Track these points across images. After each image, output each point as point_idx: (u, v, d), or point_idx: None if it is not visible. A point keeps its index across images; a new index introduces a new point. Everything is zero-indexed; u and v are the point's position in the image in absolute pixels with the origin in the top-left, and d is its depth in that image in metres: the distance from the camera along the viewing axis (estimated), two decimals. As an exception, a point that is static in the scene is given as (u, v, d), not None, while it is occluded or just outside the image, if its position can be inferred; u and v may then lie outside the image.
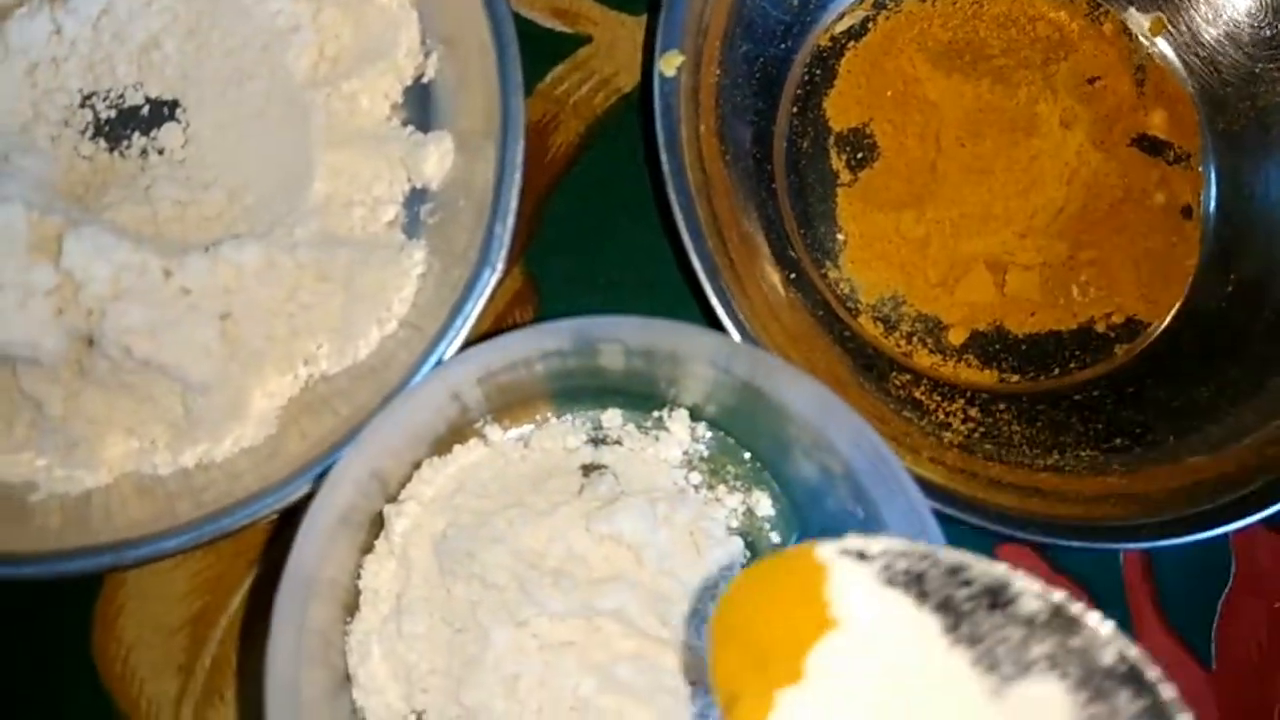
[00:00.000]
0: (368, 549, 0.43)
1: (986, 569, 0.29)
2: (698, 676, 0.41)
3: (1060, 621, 0.28)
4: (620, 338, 0.41)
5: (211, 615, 0.47)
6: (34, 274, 0.40)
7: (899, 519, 0.39)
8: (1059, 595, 0.29)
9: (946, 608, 0.29)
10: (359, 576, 0.43)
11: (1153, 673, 0.28)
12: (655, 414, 0.47)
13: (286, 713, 0.36)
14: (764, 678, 0.30)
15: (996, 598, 0.29)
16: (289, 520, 0.46)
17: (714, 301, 0.43)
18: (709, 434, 0.47)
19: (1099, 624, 0.28)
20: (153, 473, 0.44)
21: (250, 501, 0.42)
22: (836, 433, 0.40)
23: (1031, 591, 0.29)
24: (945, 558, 0.30)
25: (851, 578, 0.30)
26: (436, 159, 0.48)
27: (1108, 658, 0.28)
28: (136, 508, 0.43)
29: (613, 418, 0.47)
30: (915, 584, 0.30)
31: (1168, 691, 0.28)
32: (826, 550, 0.30)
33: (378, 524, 0.43)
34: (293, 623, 0.37)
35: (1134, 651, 0.28)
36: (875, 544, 0.30)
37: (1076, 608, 0.29)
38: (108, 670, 0.46)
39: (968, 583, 0.29)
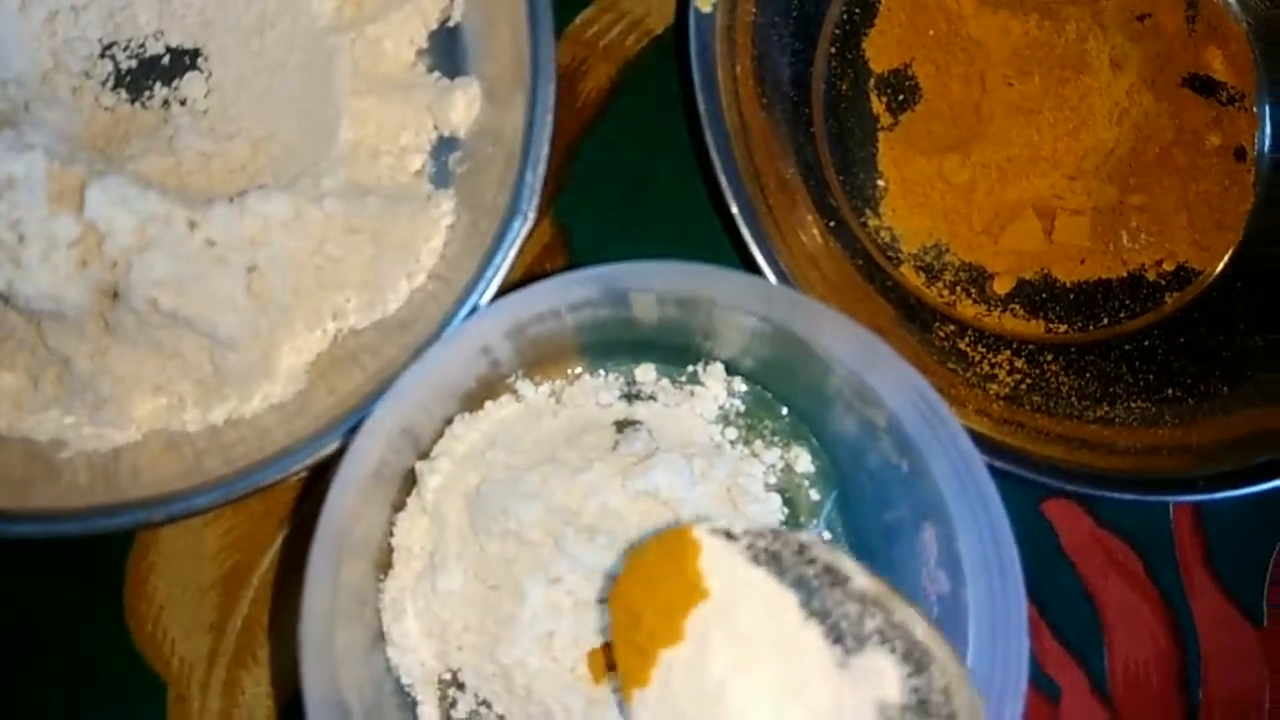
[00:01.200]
0: (400, 506, 0.43)
1: (823, 551, 0.34)
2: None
3: (885, 597, 0.33)
4: (651, 284, 0.40)
5: (243, 574, 0.46)
6: (56, 225, 0.39)
7: (947, 469, 0.38)
8: (874, 577, 0.33)
9: (800, 584, 0.34)
10: (391, 534, 0.42)
11: (937, 651, 0.32)
12: (690, 368, 0.46)
13: (322, 671, 0.36)
14: (650, 639, 0.35)
15: (835, 576, 0.34)
16: (318, 477, 0.46)
17: (752, 247, 0.42)
18: (745, 388, 0.46)
19: (905, 605, 0.33)
20: (181, 430, 0.44)
21: (279, 458, 0.41)
22: (880, 380, 0.39)
23: (858, 571, 0.33)
24: (792, 538, 0.35)
25: (720, 555, 0.35)
26: (464, 106, 0.46)
27: (919, 633, 0.32)
28: (165, 465, 0.43)
29: (646, 372, 0.46)
30: (774, 562, 0.34)
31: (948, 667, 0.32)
32: (699, 530, 0.35)
33: (409, 481, 0.43)
34: (326, 580, 0.36)
35: (920, 631, 0.32)
36: (738, 525, 0.35)
37: (885, 589, 0.33)
38: (139, 630, 0.46)
39: (812, 561, 0.34)
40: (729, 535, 0.35)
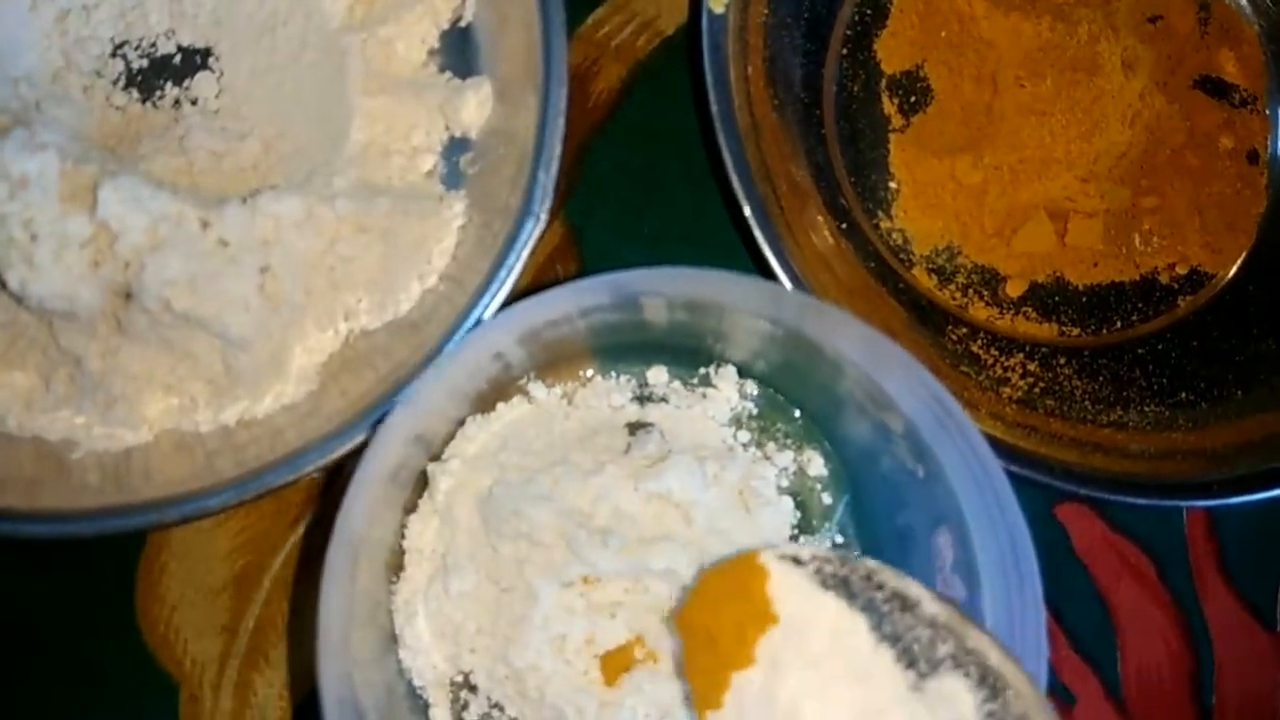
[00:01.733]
0: (411, 508, 0.43)
1: (890, 576, 0.34)
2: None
3: (957, 622, 0.33)
4: (662, 290, 0.40)
5: (255, 575, 0.46)
6: (69, 225, 0.39)
7: (963, 474, 0.37)
8: (944, 603, 0.33)
9: (870, 609, 0.34)
10: (403, 536, 0.42)
11: (1013, 677, 0.32)
12: (702, 371, 0.46)
13: (339, 672, 0.36)
14: (722, 663, 0.35)
15: (904, 601, 0.34)
16: (331, 478, 0.46)
17: (765, 249, 0.42)
18: (757, 391, 0.46)
19: (978, 631, 0.33)
20: (193, 430, 0.44)
21: (291, 458, 0.41)
22: (894, 384, 0.39)
23: (928, 597, 0.33)
24: (860, 564, 0.35)
25: (789, 579, 0.35)
26: (475, 106, 0.46)
27: (993, 659, 0.32)
28: (176, 465, 0.43)
29: (658, 375, 0.46)
30: (843, 586, 0.34)
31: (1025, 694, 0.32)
32: (767, 556, 0.35)
33: (421, 483, 0.43)
34: (343, 582, 0.36)
35: (994, 657, 0.32)
36: (805, 551, 0.35)
37: (957, 615, 0.33)
38: (151, 631, 0.46)
39: (880, 586, 0.34)
40: (796, 560, 0.35)
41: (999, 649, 0.32)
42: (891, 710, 0.33)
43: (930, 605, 0.33)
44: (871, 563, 0.35)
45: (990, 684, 0.32)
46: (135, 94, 0.47)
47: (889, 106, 0.51)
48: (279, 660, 0.45)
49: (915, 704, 0.32)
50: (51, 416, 0.43)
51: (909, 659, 0.33)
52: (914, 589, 0.34)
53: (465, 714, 0.42)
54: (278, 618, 0.46)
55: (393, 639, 0.42)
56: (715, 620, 0.35)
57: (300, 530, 0.47)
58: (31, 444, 0.43)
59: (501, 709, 0.42)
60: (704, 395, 0.46)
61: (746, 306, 0.40)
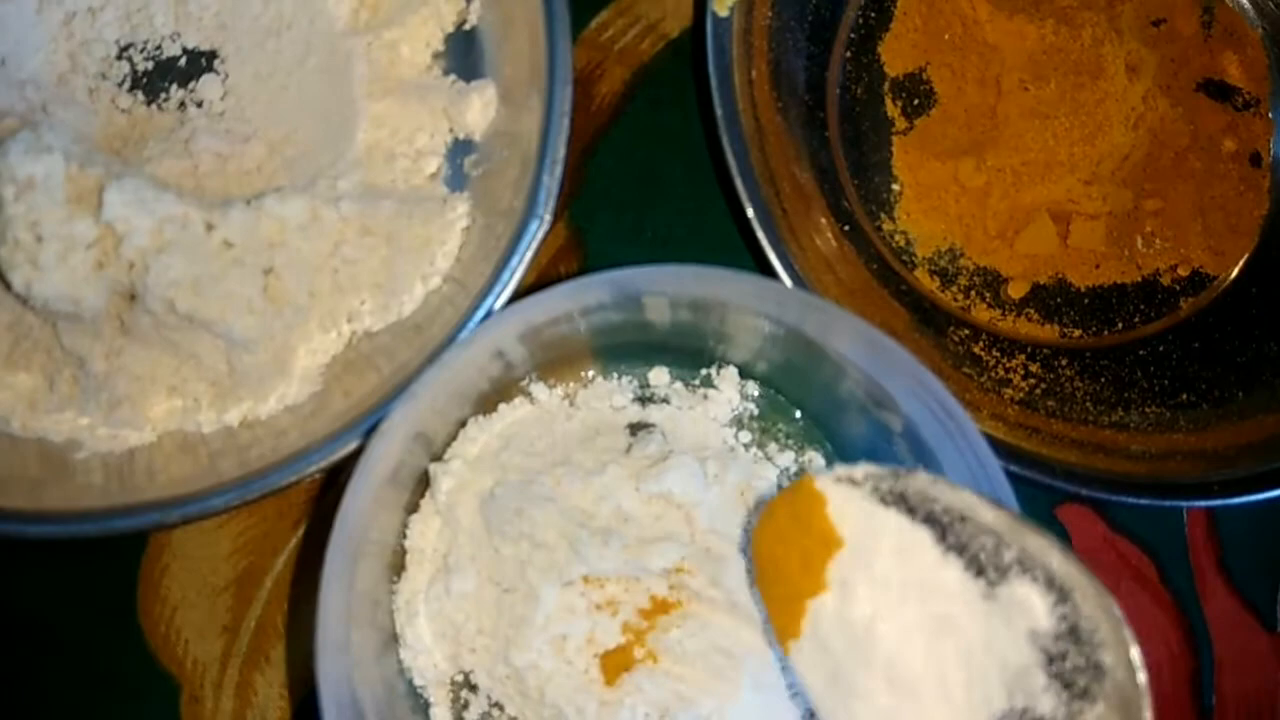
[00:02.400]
0: (412, 509, 0.43)
1: (945, 488, 0.33)
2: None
3: (1015, 528, 0.32)
4: (663, 288, 0.40)
5: (256, 575, 0.46)
6: (74, 226, 0.39)
7: (963, 474, 0.38)
8: (1000, 509, 0.33)
9: (931, 521, 0.33)
10: (404, 536, 0.42)
11: (1079, 577, 0.31)
12: (703, 371, 0.46)
13: (338, 672, 0.36)
14: (795, 592, 0.35)
15: (962, 512, 0.33)
16: (333, 479, 0.46)
17: (768, 251, 0.42)
18: (758, 392, 0.46)
19: (1037, 534, 0.32)
20: (196, 431, 0.44)
21: (295, 459, 0.41)
22: (895, 384, 0.39)
23: (983, 505, 0.33)
24: (916, 478, 0.34)
25: (848, 501, 0.34)
26: (480, 108, 0.46)
27: (1055, 561, 0.31)
28: (180, 466, 0.43)
29: (660, 375, 0.46)
30: (902, 501, 0.34)
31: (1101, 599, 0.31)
32: (822, 481, 0.35)
33: (422, 483, 0.43)
34: (343, 581, 0.36)
35: (1056, 559, 0.31)
36: (859, 471, 0.35)
37: (1015, 520, 0.32)
38: (152, 631, 0.46)
39: (936, 499, 0.33)
40: (852, 481, 0.34)
41: (1059, 551, 0.31)
42: (965, 620, 0.32)
43: (987, 513, 0.32)
44: (924, 476, 0.34)
45: (1058, 586, 0.31)
46: (140, 96, 0.47)
47: (892, 109, 0.51)
48: (280, 660, 0.46)
49: (989, 612, 0.32)
50: (56, 417, 0.44)
51: (976, 568, 0.32)
52: (969, 499, 0.33)
53: (465, 713, 0.42)
54: (279, 618, 0.46)
55: (393, 638, 0.42)
56: (783, 551, 0.36)
57: (302, 531, 0.47)
58: (36, 445, 0.43)
59: (501, 708, 0.42)
60: (705, 396, 0.46)
61: (748, 305, 0.40)
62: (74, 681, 0.45)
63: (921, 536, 0.33)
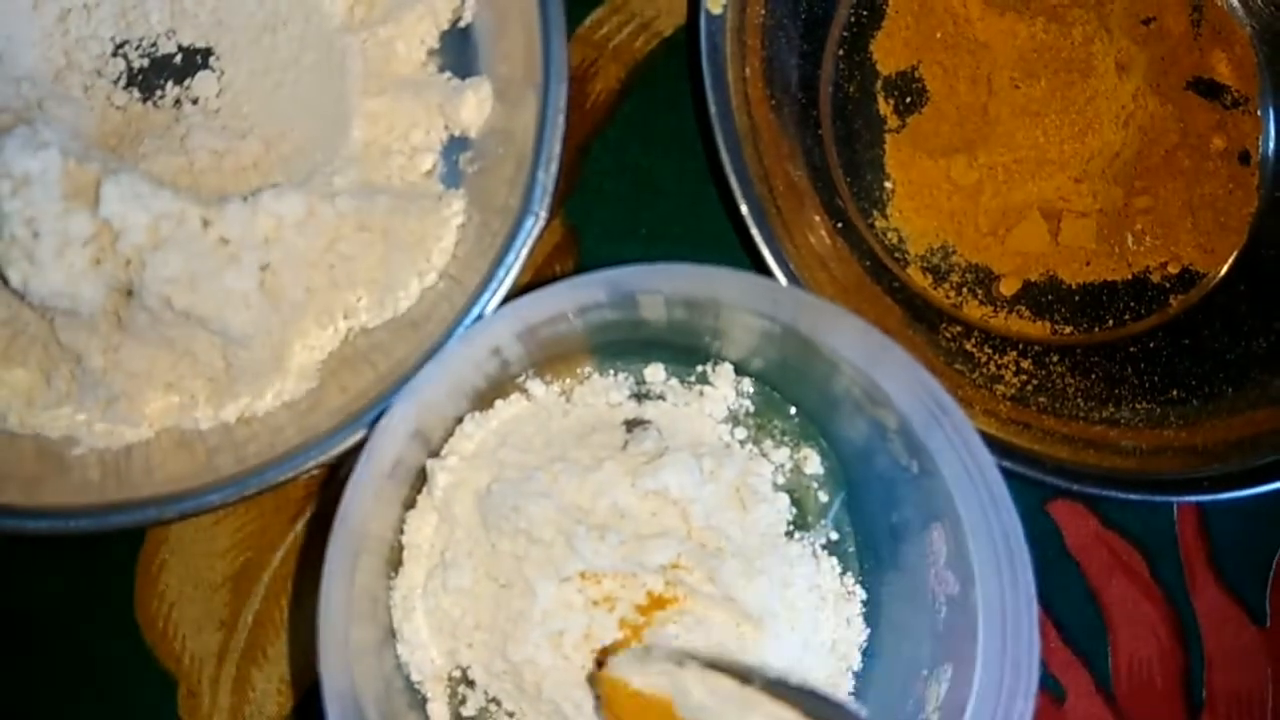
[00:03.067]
0: (410, 504, 0.43)
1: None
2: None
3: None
4: (658, 286, 0.40)
5: (254, 571, 0.46)
6: (71, 222, 0.39)
7: (957, 469, 0.38)
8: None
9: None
10: (402, 532, 0.43)
11: None
12: (699, 368, 0.46)
13: (339, 667, 0.36)
14: None
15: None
16: (330, 475, 0.46)
17: (762, 248, 0.42)
18: (754, 389, 0.46)
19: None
20: (194, 427, 0.44)
21: (292, 455, 0.41)
22: (890, 380, 0.39)
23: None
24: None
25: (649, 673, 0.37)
26: (475, 105, 0.46)
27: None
28: (177, 462, 0.43)
29: (655, 372, 0.46)
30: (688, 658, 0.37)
31: None
32: (615, 668, 0.38)
33: (420, 480, 0.43)
34: (343, 577, 0.37)
35: None
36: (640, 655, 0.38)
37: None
38: (150, 626, 0.46)
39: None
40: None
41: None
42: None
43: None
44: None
45: None
46: (136, 93, 0.47)
47: (885, 107, 0.51)
48: (277, 656, 0.46)
49: None
50: (53, 414, 0.44)
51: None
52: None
53: (463, 709, 0.42)
54: (276, 613, 0.46)
55: (391, 634, 0.42)
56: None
57: (299, 527, 0.47)
58: (33, 441, 0.43)
59: (499, 703, 0.42)
60: (701, 393, 0.46)
61: (743, 302, 0.41)
62: (71, 677, 0.45)
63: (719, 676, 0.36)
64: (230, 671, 0.46)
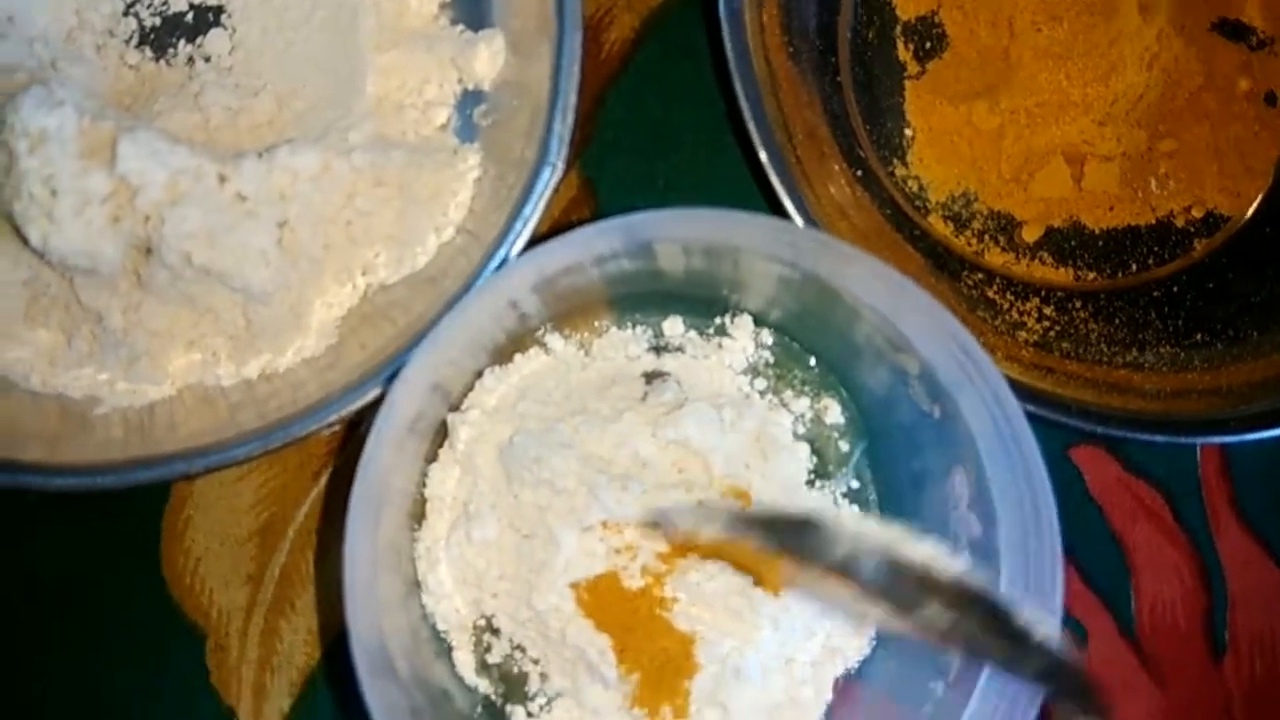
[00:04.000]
0: (432, 458, 0.43)
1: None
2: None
3: None
4: (676, 232, 0.40)
5: (279, 526, 0.47)
6: (89, 180, 0.39)
7: (980, 411, 0.38)
8: None
9: None
10: (424, 486, 0.43)
11: None
12: (718, 320, 0.46)
13: (367, 618, 0.36)
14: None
15: None
16: (351, 431, 0.46)
17: (782, 195, 0.42)
18: (773, 340, 0.46)
19: None
20: (216, 384, 0.44)
21: (313, 410, 0.41)
22: (911, 324, 0.38)
23: None
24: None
25: None
26: (488, 58, 0.46)
27: None
28: (200, 419, 0.43)
29: (674, 325, 0.46)
30: None
31: None
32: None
33: (441, 434, 0.43)
34: (368, 529, 0.37)
35: None
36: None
37: None
38: (177, 582, 0.46)
39: None
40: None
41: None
42: None
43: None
44: None
45: None
46: (149, 52, 0.47)
47: (904, 53, 0.50)
48: (304, 608, 0.46)
49: None
50: (75, 373, 0.44)
51: None
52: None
53: (488, 656, 0.43)
54: (302, 566, 0.47)
55: (416, 585, 0.42)
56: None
57: (322, 482, 0.47)
58: (56, 401, 0.44)
59: (523, 650, 0.43)
60: (720, 345, 0.46)
61: (762, 247, 0.40)
62: (100, 632, 0.46)
63: None
64: (258, 624, 0.46)
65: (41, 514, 0.46)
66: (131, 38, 0.47)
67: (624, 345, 0.46)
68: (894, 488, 0.44)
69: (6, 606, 0.46)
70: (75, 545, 0.47)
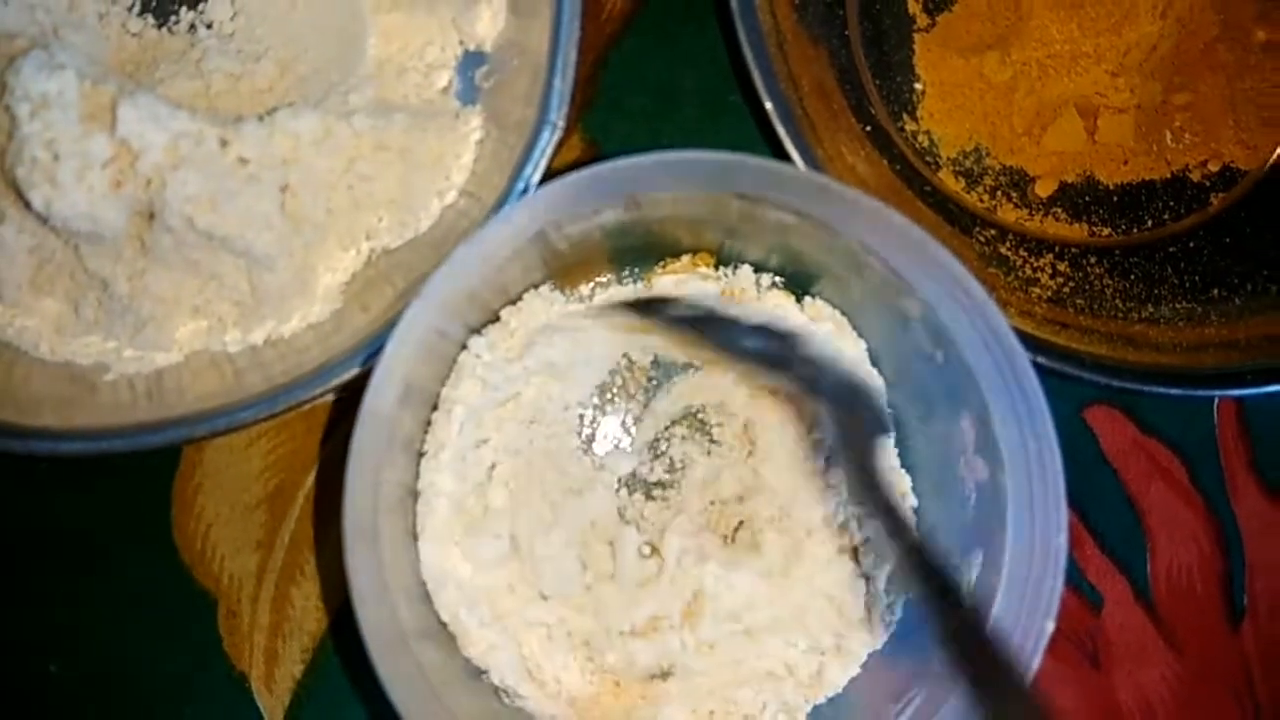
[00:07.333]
0: (435, 407, 0.42)
1: None
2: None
3: None
4: (679, 172, 0.38)
5: (289, 491, 0.47)
6: (90, 144, 0.39)
7: (982, 352, 0.37)
8: None
9: None
10: (427, 432, 0.42)
11: None
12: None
13: (366, 559, 0.36)
14: None
15: None
16: (356, 398, 0.46)
17: (792, 152, 0.41)
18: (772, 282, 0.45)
19: None
20: (222, 350, 0.44)
21: (319, 372, 0.41)
22: (910, 263, 0.38)
23: None
24: None
25: None
26: (488, 18, 0.46)
27: None
28: (207, 383, 0.43)
29: (673, 277, 0.45)
30: None
31: None
32: None
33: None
34: (368, 468, 0.36)
35: None
36: None
37: None
38: (188, 548, 0.47)
39: None
40: None
41: None
42: None
43: None
44: None
45: None
46: (150, 20, 0.46)
47: (914, 5, 0.49)
48: (315, 574, 0.46)
49: None
50: (83, 341, 0.44)
51: None
52: None
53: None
54: (313, 532, 0.47)
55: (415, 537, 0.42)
56: None
57: (330, 447, 0.47)
58: (64, 368, 0.44)
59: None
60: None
61: (762, 189, 0.38)
62: (112, 599, 0.46)
63: None
64: (269, 590, 0.46)
65: (53, 481, 0.46)
66: (134, 5, 0.46)
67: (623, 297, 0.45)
68: (902, 435, 0.44)
69: (20, 573, 0.46)
70: (87, 513, 0.47)
